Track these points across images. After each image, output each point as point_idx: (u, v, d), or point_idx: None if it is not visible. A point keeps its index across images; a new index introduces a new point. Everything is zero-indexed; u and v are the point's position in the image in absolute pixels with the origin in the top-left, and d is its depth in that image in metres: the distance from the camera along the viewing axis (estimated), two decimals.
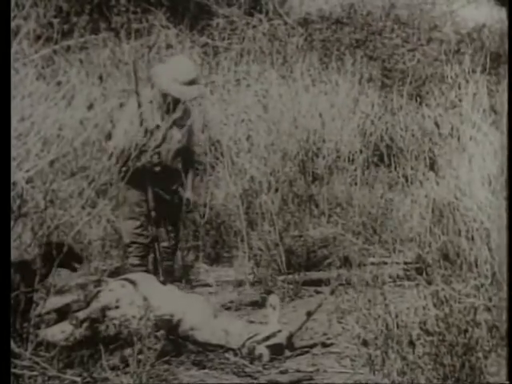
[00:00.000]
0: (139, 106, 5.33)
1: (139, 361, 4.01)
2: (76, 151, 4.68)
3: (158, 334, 4.30)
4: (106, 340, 4.35)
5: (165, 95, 5.39)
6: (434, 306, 4.00)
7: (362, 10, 8.29)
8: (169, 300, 4.61)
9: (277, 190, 6.13)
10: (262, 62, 7.56)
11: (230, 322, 4.67)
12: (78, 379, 4.01)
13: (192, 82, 5.42)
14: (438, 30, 8.14)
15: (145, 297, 4.52)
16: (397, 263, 5.55)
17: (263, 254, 5.69)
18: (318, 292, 5.44)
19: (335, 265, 5.68)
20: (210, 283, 5.64)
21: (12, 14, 4.23)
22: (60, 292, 4.56)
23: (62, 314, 4.48)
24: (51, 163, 4.25)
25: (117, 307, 4.49)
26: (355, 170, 6.61)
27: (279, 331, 4.54)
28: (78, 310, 4.49)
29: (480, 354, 3.86)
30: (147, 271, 5.38)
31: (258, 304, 5.29)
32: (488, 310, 4.04)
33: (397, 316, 4.04)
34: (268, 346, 4.47)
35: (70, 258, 4.49)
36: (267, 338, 4.49)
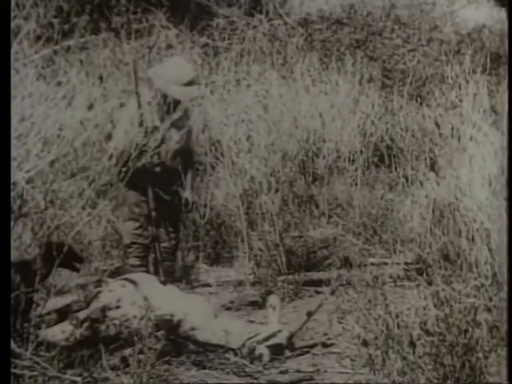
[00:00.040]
0: (139, 106, 5.34)
1: (139, 361, 4.00)
2: (76, 151, 4.68)
3: (159, 334, 4.30)
4: (107, 340, 4.35)
5: (163, 96, 5.39)
6: (435, 306, 4.00)
7: (362, 11, 8.29)
8: (169, 300, 4.61)
9: (277, 191, 6.13)
10: (263, 63, 7.56)
11: (230, 322, 4.67)
12: (79, 379, 4.00)
13: (189, 83, 5.42)
14: (438, 31, 8.14)
15: (145, 297, 4.51)
16: (397, 263, 5.55)
17: (263, 254, 5.69)
18: (318, 292, 5.44)
19: (335, 265, 5.68)
20: (210, 283, 5.64)
21: (12, 14, 4.23)
22: (60, 292, 4.56)
23: (63, 314, 4.48)
24: (51, 163, 4.25)
25: (117, 307, 4.49)
26: (355, 170, 6.62)
27: (279, 331, 4.54)
28: (78, 310, 4.49)
29: (480, 355, 3.85)
30: (147, 272, 5.38)
31: (259, 304, 5.29)
32: (488, 310, 4.04)
33: (397, 316, 4.04)
34: (268, 346, 4.47)
35: (71, 258, 4.49)
36: (267, 338, 4.49)
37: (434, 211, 5.24)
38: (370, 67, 7.57)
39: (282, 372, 4.33)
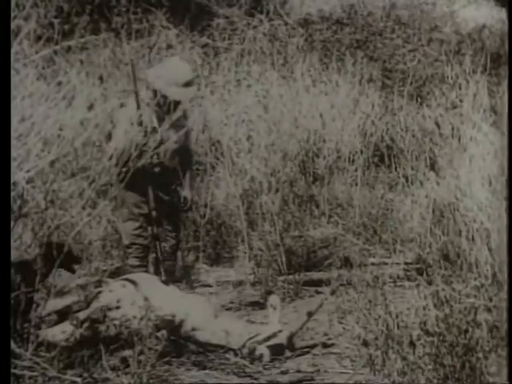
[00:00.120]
0: (138, 106, 5.34)
1: (140, 361, 4.01)
2: (76, 152, 4.69)
3: (159, 334, 4.30)
4: (107, 340, 4.35)
5: (161, 97, 5.39)
6: (435, 306, 4.00)
7: (362, 11, 8.29)
8: (170, 300, 4.60)
9: (277, 191, 6.13)
10: (263, 63, 7.56)
11: (230, 322, 4.66)
12: (79, 380, 4.00)
13: (188, 84, 5.42)
14: (438, 31, 8.14)
15: (145, 297, 4.51)
16: (397, 263, 5.55)
17: (264, 254, 5.69)
18: (318, 292, 5.44)
19: (336, 265, 5.68)
20: (210, 283, 5.64)
21: (12, 15, 4.23)
22: (60, 293, 4.56)
23: (63, 314, 4.48)
24: (51, 163, 4.24)
25: (117, 307, 4.49)
26: (356, 170, 6.61)
27: (280, 331, 4.54)
28: (78, 311, 4.49)
29: (480, 355, 3.85)
30: (147, 272, 5.38)
31: (259, 304, 5.29)
32: (488, 310, 4.04)
33: (397, 316, 4.04)
34: (268, 347, 4.46)
35: (68, 259, 4.49)
36: (268, 338, 4.49)
37: (434, 211, 5.24)
38: (371, 67, 7.57)
39: (282, 372, 4.33)
